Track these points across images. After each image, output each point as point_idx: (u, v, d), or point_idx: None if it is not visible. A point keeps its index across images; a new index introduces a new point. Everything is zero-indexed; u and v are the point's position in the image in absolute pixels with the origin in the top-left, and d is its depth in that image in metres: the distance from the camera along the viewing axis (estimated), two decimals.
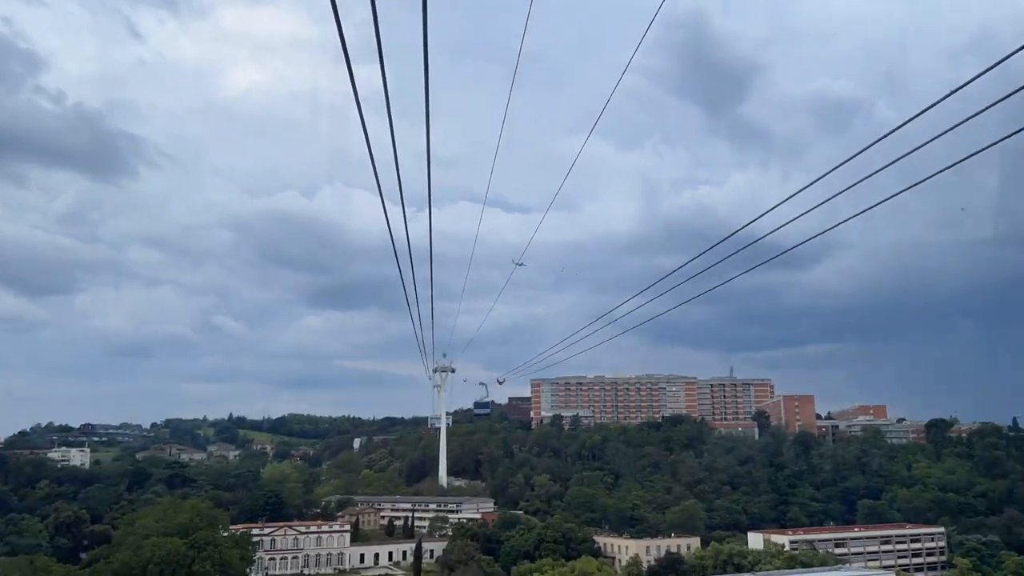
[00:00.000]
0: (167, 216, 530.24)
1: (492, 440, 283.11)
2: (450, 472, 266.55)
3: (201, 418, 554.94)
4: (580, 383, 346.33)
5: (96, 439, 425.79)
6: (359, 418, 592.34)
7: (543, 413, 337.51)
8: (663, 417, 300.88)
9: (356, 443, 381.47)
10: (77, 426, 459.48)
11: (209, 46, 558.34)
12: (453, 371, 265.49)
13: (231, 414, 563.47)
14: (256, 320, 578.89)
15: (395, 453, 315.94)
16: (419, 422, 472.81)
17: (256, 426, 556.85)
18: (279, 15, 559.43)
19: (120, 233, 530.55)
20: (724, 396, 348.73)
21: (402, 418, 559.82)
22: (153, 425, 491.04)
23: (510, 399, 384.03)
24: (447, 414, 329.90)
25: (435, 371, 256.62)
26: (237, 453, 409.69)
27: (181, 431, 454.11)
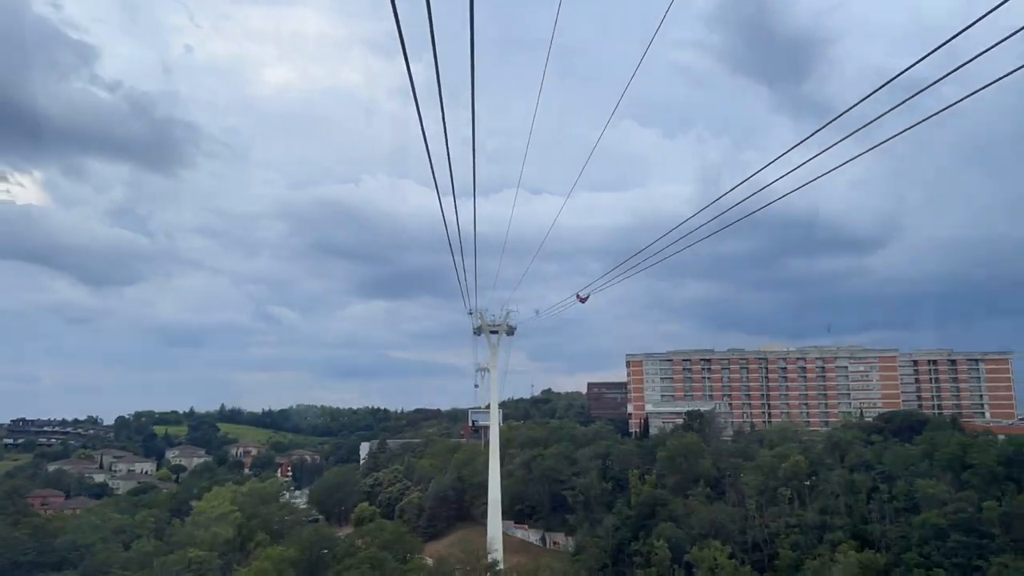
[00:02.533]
0: (223, 206, 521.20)
1: (575, 456, 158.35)
2: (509, 514, 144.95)
3: (187, 410, 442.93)
4: (706, 360, 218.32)
5: (23, 439, 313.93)
6: (384, 410, 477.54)
7: (648, 407, 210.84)
8: (879, 415, 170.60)
9: (364, 449, 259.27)
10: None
11: (239, 44, 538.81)
12: (511, 332, 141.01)
13: (223, 405, 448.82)
14: (303, 309, 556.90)
15: (413, 471, 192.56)
16: (456, 417, 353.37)
17: (256, 420, 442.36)
18: (306, 13, 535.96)
19: (176, 224, 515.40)
20: (936, 377, 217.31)
21: (437, 410, 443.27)
22: (119, 420, 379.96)
23: (590, 386, 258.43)
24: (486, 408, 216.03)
25: (478, 331, 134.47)
26: (203, 459, 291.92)
27: (143, 430, 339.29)
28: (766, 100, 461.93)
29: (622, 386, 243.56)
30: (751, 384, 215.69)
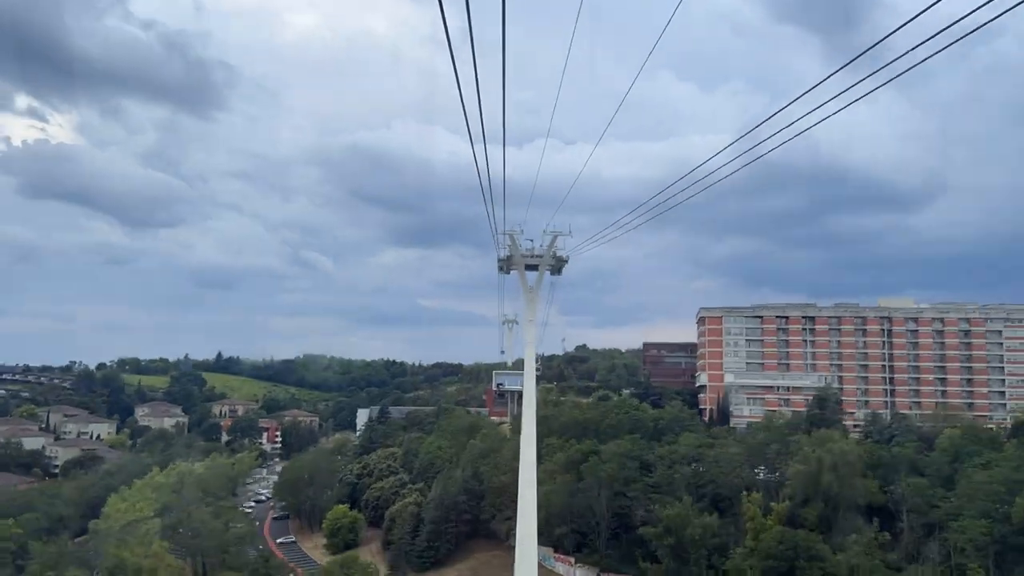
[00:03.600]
0: (258, 149, 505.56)
1: (648, 457, 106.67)
2: (546, 538, 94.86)
3: (181, 357, 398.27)
4: (809, 317, 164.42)
5: None
6: (401, 363, 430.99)
7: (728, 378, 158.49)
8: None
9: (361, 417, 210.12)
10: None
11: None
12: (559, 267, 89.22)
13: (219, 354, 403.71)
14: (336, 256, 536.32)
15: (416, 457, 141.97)
16: (479, 375, 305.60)
17: (256, 372, 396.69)
18: None
19: (212, 167, 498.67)
20: None
21: (458, 365, 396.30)
22: (80, 369, 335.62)
23: (647, 347, 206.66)
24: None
25: (506, 265, 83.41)
26: (179, 419, 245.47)
27: (110, 382, 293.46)
28: (818, 50, 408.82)
29: (689, 348, 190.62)
30: (869, 351, 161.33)
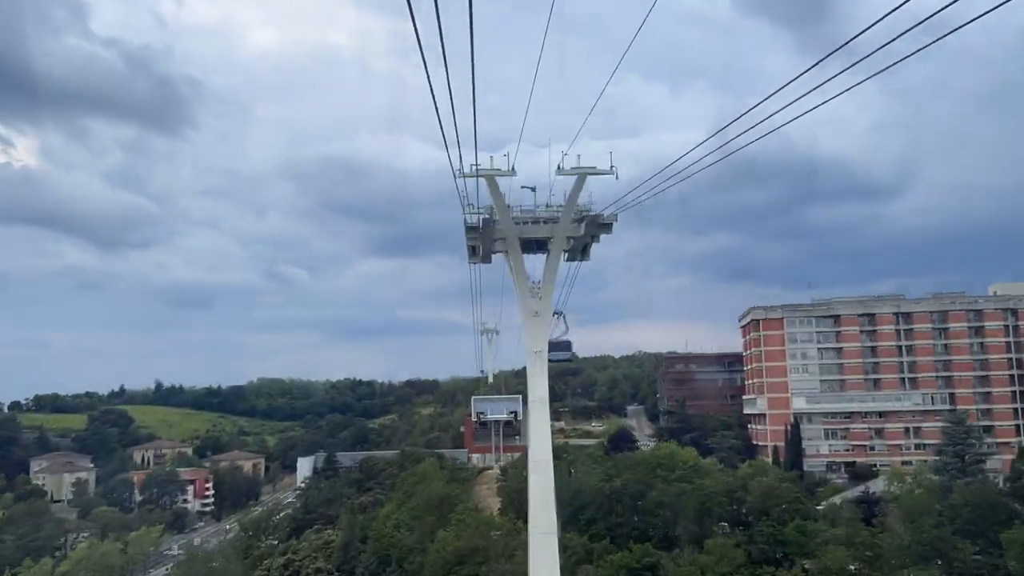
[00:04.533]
0: (230, 165, 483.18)
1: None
2: None
3: (116, 390, 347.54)
4: (904, 315, 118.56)
5: None
6: (369, 383, 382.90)
7: (797, 403, 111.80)
8: None
9: (303, 467, 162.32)
10: None
11: (224, 6, 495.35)
12: (595, 233, 44.31)
13: (158, 383, 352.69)
14: (311, 269, 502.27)
15: (353, 550, 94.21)
16: (454, 395, 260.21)
17: (200, 401, 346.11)
18: None
19: (182, 185, 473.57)
20: None
21: (433, 382, 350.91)
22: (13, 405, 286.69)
23: (668, 361, 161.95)
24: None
25: (478, 235, 39.27)
26: (76, 479, 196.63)
27: (8, 424, 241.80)
28: (789, 44, 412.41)
29: (725, 361, 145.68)
30: (990, 357, 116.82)
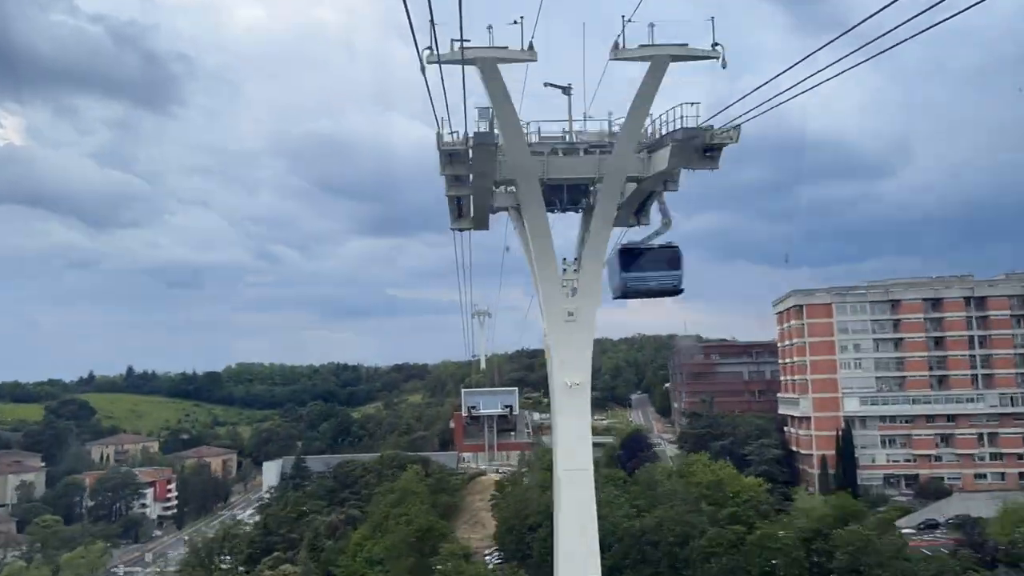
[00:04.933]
0: (219, 143, 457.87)
1: None
2: None
3: (85, 376, 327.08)
4: (977, 301, 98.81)
5: None
6: (354, 367, 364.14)
7: (850, 405, 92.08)
8: None
9: (269, 473, 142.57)
10: None
11: None
12: (713, 150, 24.02)
13: (129, 369, 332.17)
14: (303, 249, 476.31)
15: None
16: (444, 384, 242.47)
17: (177, 389, 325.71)
18: None
19: (172, 163, 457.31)
20: None
21: (423, 366, 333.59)
22: None
23: (680, 351, 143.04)
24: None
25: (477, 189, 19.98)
26: (21, 482, 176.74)
27: None
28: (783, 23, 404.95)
29: (754, 351, 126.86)
30: None
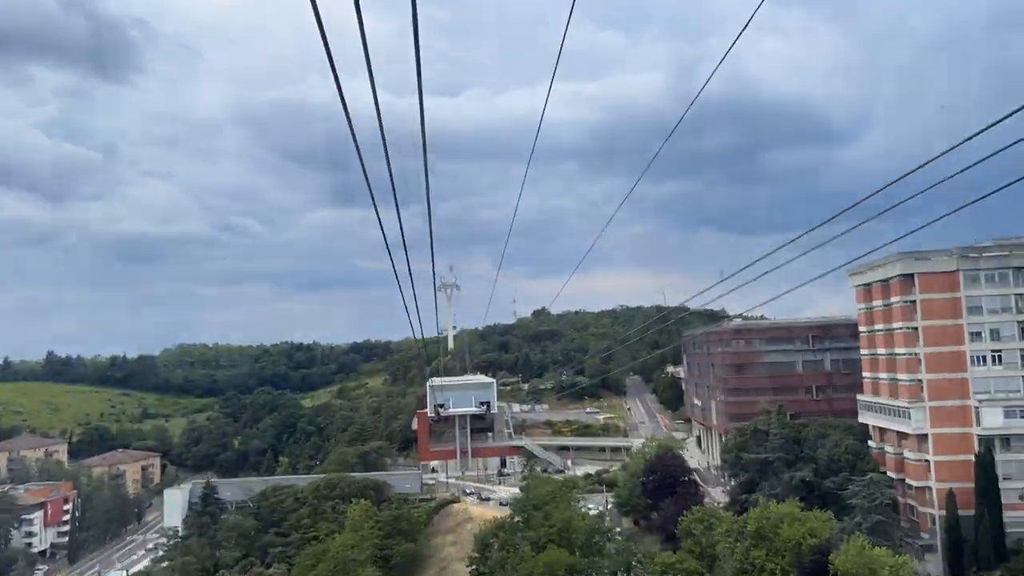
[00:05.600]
0: (180, 112, 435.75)
1: None
2: None
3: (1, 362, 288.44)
4: None
5: None
6: (308, 347, 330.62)
7: (993, 417, 59.16)
8: None
9: (172, 504, 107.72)
10: None
11: None
12: None
13: (50, 354, 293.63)
14: (267, 221, 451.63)
15: None
16: (408, 368, 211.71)
17: (106, 375, 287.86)
18: None
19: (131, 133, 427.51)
20: None
21: (386, 343, 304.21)
22: None
23: (720, 334, 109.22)
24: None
25: None
26: None
27: None
28: None
29: (811, 337, 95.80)
30: None
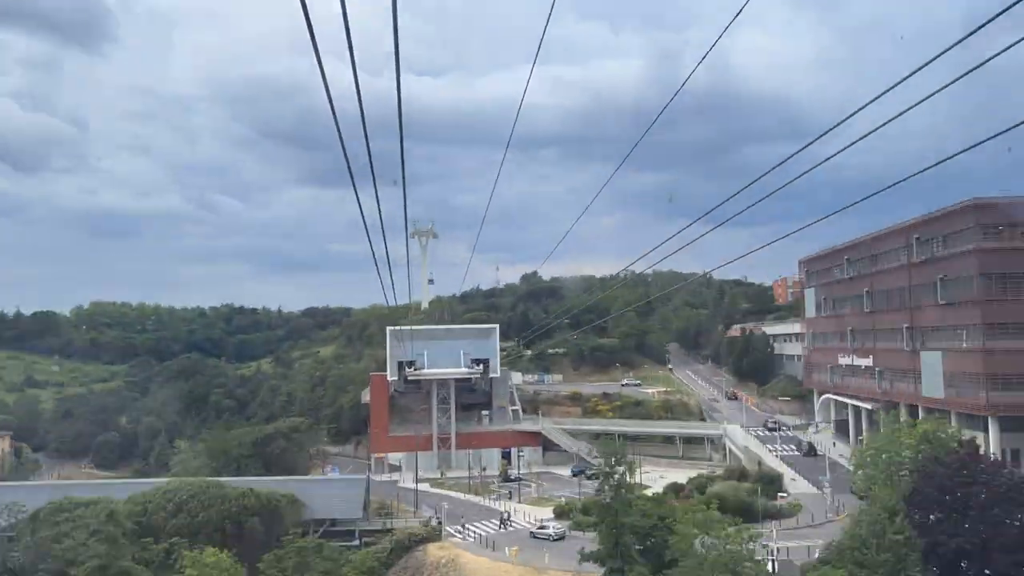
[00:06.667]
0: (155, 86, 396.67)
1: None
2: None
3: None
4: None
5: None
6: (252, 310, 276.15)
7: None
8: None
9: None
10: None
11: None
12: None
13: None
14: (243, 198, 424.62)
15: None
16: (370, 335, 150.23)
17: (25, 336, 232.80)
18: None
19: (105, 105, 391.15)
20: None
21: (346, 310, 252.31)
22: None
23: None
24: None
25: None
26: None
27: None
28: None
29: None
30: None
